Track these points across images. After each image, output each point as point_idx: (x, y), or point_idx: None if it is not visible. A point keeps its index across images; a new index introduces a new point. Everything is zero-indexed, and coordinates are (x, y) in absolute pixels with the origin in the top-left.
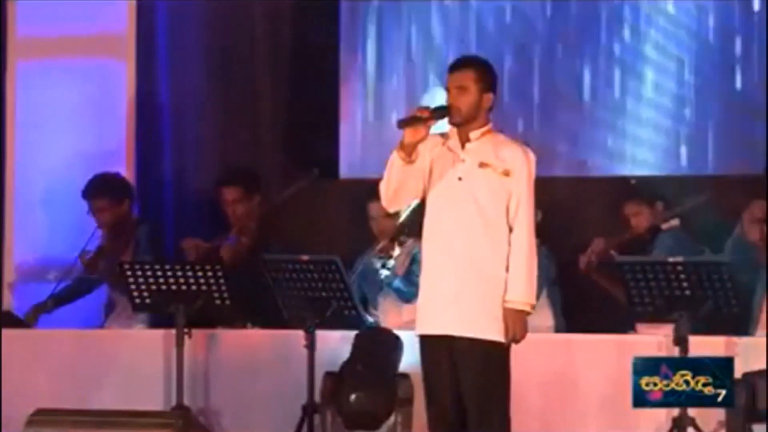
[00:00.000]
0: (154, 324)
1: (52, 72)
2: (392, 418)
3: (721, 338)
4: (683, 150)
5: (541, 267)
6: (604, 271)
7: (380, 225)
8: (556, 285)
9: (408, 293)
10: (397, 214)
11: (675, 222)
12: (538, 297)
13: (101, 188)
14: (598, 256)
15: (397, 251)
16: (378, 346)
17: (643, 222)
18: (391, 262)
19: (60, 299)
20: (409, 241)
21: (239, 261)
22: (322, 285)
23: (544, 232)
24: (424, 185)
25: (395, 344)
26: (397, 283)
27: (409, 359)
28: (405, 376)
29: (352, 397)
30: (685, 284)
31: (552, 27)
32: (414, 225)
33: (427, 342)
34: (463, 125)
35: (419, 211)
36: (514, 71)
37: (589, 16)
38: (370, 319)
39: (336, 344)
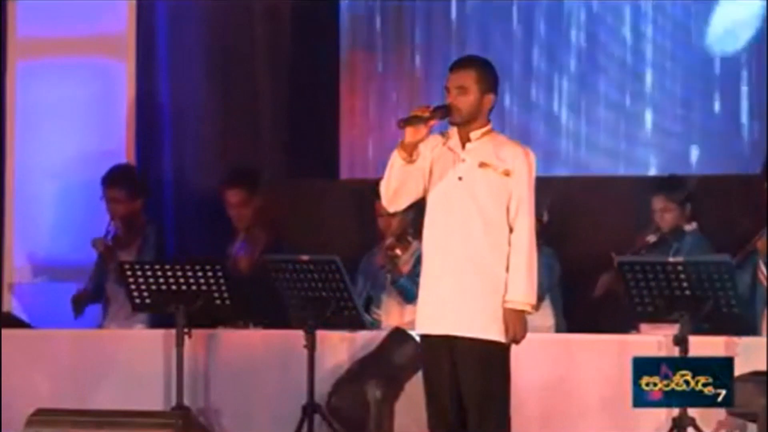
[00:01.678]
0: (154, 324)
1: (52, 72)
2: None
3: (721, 338)
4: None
5: (547, 268)
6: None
7: (387, 222)
8: (557, 285)
9: (412, 292)
10: (403, 212)
11: (695, 224)
12: (542, 299)
13: (121, 179)
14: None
15: (401, 251)
16: (386, 346)
17: (669, 220)
18: (396, 260)
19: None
20: (415, 242)
21: (256, 269)
22: (322, 285)
23: (552, 234)
24: (424, 185)
25: (401, 344)
26: (402, 281)
27: None
28: (384, 377)
29: (333, 398)
30: (685, 284)
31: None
32: (421, 224)
33: (428, 342)
34: (463, 125)
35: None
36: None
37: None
38: (370, 318)
39: (336, 344)
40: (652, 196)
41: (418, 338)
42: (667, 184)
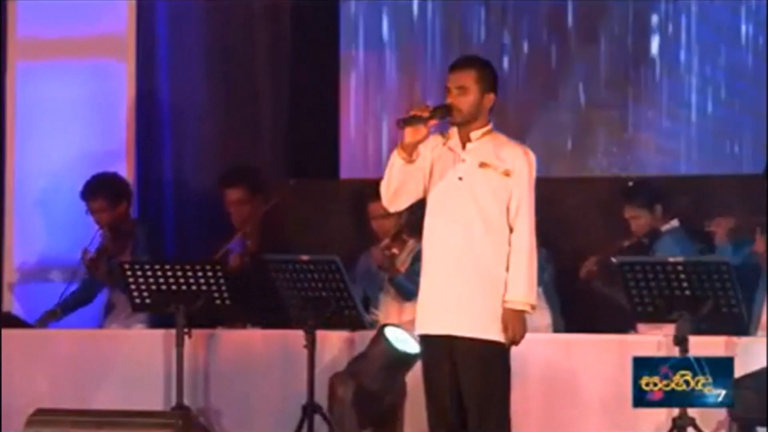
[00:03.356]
0: (154, 324)
1: (52, 72)
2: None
3: (721, 338)
4: (683, 150)
5: (537, 268)
6: (604, 279)
7: (380, 224)
8: (553, 285)
9: (410, 290)
10: (397, 214)
11: (675, 222)
12: None
13: (98, 189)
14: (597, 266)
15: (398, 249)
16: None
17: (642, 225)
18: (393, 259)
19: (67, 306)
20: (411, 241)
21: (246, 267)
22: (322, 285)
23: (542, 234)
24: (424, 185)
25: (372, 344)
26: (400, 278)
27: None
28: (349, 376)
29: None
30: (685, 284)
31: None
32: (415, 224)
33: (428, 341)
34: (463, 125)
35: (420, 210)
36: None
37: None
38: (370, 319)
39: (336, 344)
40: (623, 206)
41: (389, 339)
42: (630, 192)
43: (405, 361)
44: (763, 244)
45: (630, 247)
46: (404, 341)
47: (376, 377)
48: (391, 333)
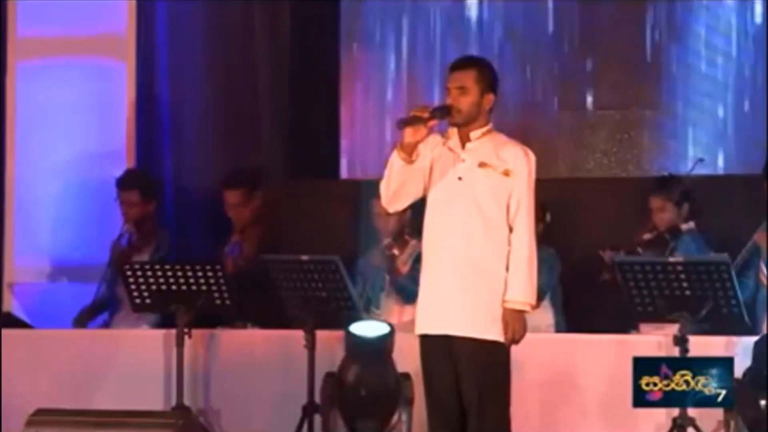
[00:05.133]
0: (159, 325)
1: (52, 72)
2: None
3: (721, 338)
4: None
5: (549, 267)
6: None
7: (383, 222)
8: (558, 284)
9: (412, 292)
10: (401, 212)
11: (692, 224)
12: (542, 297)
13: (136, 182)
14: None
15: (399, 251)
16: None
17: (666, 220)
18: (394, 260)
19: (93, 312)
20: (413, 241)
21: (243, 269)
22: (322, 285)
23: (552, 234)
24: (424, 185)
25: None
26: (402, 282)
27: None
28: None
29: None
30: (685, 284)
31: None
32: (417, 224)
33: (428, 342)
34: (463, 125)
35: (422, 210)
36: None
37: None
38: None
39: (336, 344)
40: (650, 195)
41: (350, 330)
42: (664, 184)
43: (370, 346)
44: (763, 237)
45: (651, 240)
46: (368, 328)
47: (349, 371)
48: (355, 325)
